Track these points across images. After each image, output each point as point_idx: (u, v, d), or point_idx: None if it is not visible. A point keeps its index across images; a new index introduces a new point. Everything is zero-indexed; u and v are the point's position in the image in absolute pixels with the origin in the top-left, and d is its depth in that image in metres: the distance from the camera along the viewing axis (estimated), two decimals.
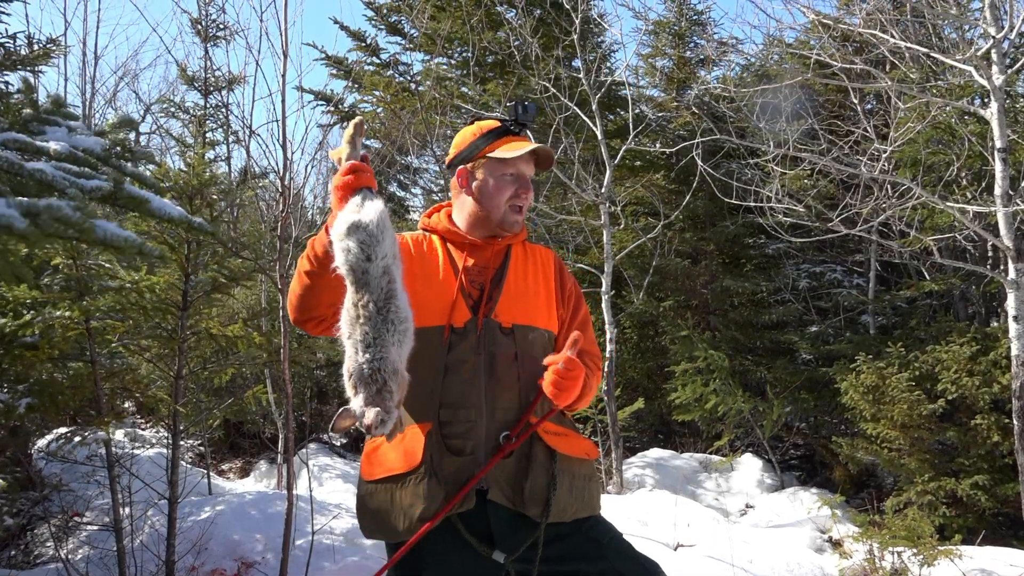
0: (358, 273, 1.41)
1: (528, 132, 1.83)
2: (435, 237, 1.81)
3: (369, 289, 1.40)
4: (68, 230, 0.84)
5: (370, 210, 1.44)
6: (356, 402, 1.38)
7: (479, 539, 1.59)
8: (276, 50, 3.26)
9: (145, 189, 1.11)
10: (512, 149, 1.73)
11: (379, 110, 9.58)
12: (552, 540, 1.62)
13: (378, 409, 1.36)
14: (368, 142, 10.09)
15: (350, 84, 9.57)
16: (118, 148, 1.14)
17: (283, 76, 3.31)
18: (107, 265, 3.17)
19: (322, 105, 9.86)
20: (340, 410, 1.39)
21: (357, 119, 1.60)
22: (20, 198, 0.85)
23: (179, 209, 1.17)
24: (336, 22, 9.49)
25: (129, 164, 1.17)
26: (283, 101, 3.37)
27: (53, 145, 1.03)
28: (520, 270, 1.79)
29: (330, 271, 1.44)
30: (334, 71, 9.93)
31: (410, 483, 1.58)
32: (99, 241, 0.91)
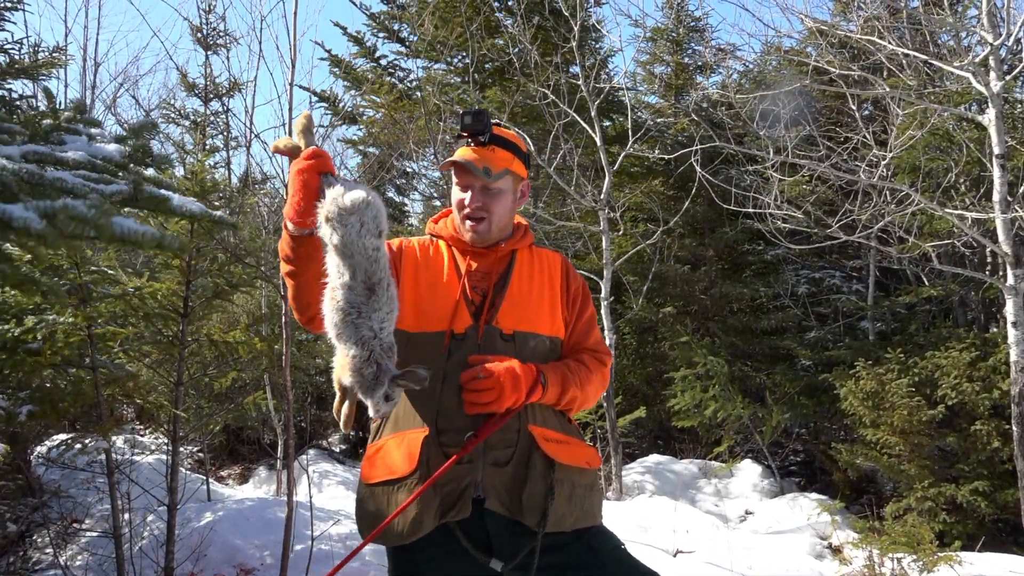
0: (367, 251, 1.46)
1: (492, 138, 1.73)
2: (442, 242, 1.82)
3: (365, 265, 1.45)
4: (86, 228, 0.86)
5: (361, 189, 1.48)
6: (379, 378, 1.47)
7: (477, 547, 1.59)
8: (282, 50, 3.29)
9: (164, 190, 1.14)
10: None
11: (378, 115, 9.60)
12: (551, 549, 1.60)
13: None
14: (368, 148, 10.13)
15: (349, 86, 9.58)
16: (138, 153, 1.16)
17: (291, 85, 3.34)
18: (110, 272, 3.18)
19: (324, 106, 9.89)
20: (409, 369, 1.46)
21: (305, 112, 1.65)
22: (37, 201, 0.86)
23: (199, 205, 1.20)
24: (337, 25, 9.50)
25: (150, 169, 1.20)
26: (290, 109, 3.38)
27: (72, 155, 1.04)
28: (525, 276, 1.78)
29: (304, 264, 1.52)
30: (336, 70, 9.94)
31: (405, 487, 1.57)
32: (118, 237, 0.92)
